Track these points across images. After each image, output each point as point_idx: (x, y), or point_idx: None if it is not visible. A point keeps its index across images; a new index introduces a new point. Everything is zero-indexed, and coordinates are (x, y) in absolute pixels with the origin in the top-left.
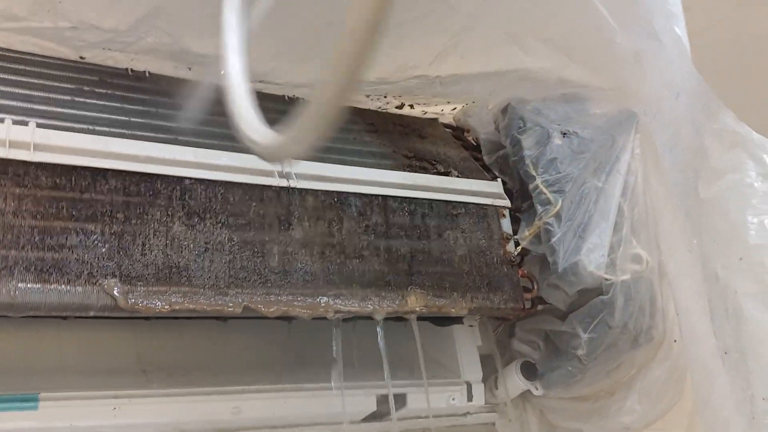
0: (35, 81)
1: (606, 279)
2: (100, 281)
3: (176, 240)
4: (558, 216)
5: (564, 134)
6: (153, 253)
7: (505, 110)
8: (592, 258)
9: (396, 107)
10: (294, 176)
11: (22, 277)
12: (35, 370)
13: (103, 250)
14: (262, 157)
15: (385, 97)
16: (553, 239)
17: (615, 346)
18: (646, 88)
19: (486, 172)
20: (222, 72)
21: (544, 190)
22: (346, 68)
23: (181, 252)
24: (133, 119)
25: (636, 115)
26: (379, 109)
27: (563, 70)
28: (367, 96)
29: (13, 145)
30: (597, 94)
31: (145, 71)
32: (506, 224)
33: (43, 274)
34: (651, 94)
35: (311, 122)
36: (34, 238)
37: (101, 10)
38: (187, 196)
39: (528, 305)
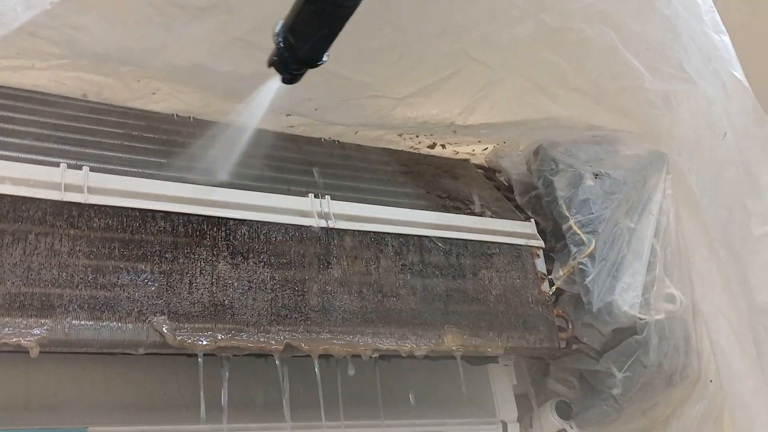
0: (86, 126)
1: (640, 318)
2: (149, 319)
3: (221, 278)
4: (592, 256)
5: (596, 175)
6: (199, 291)
7: (536, 152)
8: (626, 298)
9: (428, 146)
10: (333, 217)
11: (76, 314)
12: (83, 405)
13: (153, 288)
14: None
15: (417, 136)
16: (588, 279)
17: (650, 385)
18: (679, 129)
19: (519, 212)
20: None
21: (578, 231)
22: None
23: (226, 290)
24: (179, 162)
25: (666, 155)
26: (412, 149)
27: (592, 117)
28: (399, 135)
29: (68, 188)
30: (627, 136)
31: (189, 117)
32: (540, 264)
33: (96, 312)
34: (685, 135)
35: None
36: (88, 277)
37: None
38: (231, 237)
39: (563, 345)
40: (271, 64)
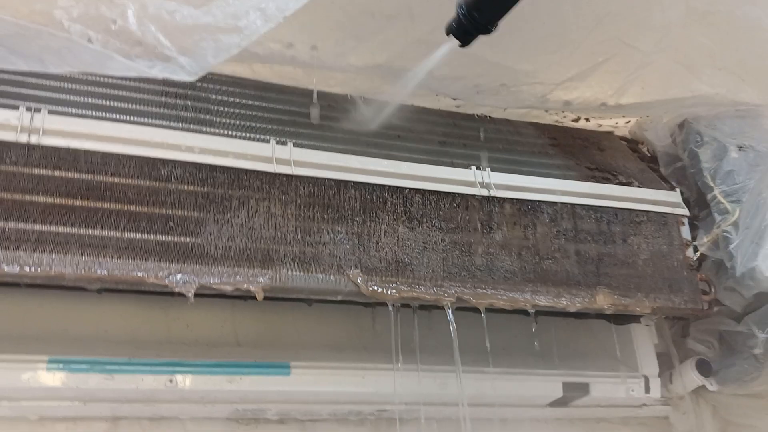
0: (282, 107)
1: None
2: (346, 271)
3: (401, 240)
4: (736, 224)
5: (740, 148)
6: (384, 250)
7: (681, 125)
8: None
9: (572, 120)
10: (493, 186)
11: (290, 266)
12: (285, 345)
13: (348, 246)
14: None
15: (563, 111)
16: (731, 246)
17: None
18: None
19: (663, 182)
20: None
21: (723, 200)
22: None
23: (405, 249)
24: (361, 137)
25: None
26: (557, 123)
27: (737, 94)
28: (546, 111)
29: (278, 161)
30: None
31: (361, 96)
32: (685, 231)
33: (305, 265)
34: None
35: None
36: (297, 235)
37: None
38: (408, 203)
39: (706, 306)
40: (450, 31)
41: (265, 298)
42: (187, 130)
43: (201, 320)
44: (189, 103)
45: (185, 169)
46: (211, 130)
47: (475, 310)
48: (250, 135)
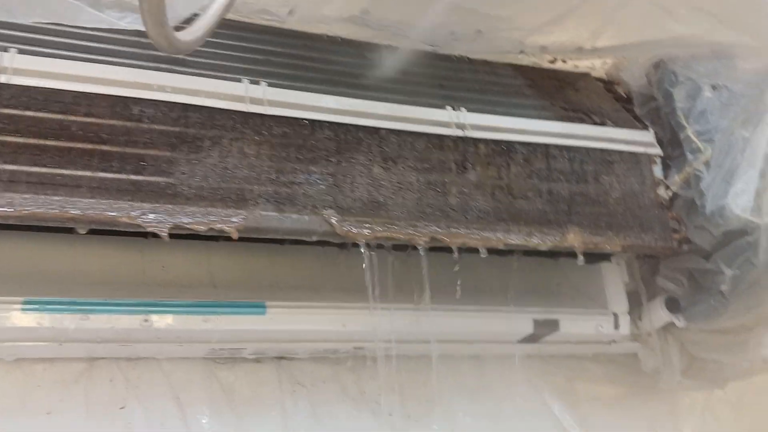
0: (255, 46)
1: (751, 221)
2: (321, 211)
3: (376, 180)
4: (707, 163)
5: (714, 88)
6: (359, 190)
7: (657, 65)
8: (739, 202)
9: (549, 61)
10: (468, 127)
11: (264, 206)
12: (260, 285)
13: (323, 186)
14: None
15: (540, 53)
16: (702, 184)
17: (758, 283)
18: None
19: (637, 122)
20: None
21: (695, 139)
22: None
23: (380, 190)
24: (335, 78)
25: None
26: (534, 65)
27: (713, 34)
28: (521, 52)
29: (252, 101)
30: (746, 51)
31: (338, 36)
32: (657, 170)
33: (280, 205)
34: None
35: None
36: (272, 175)
37: None
38: (383, 144)
39: (676, 245)
40: None
41: (240, 239)
42: (159, 69)
43: (176, 262)
44: None
45: (157, 109)
46: (184, 69)
47: (451, 249)
48: (224, 74)
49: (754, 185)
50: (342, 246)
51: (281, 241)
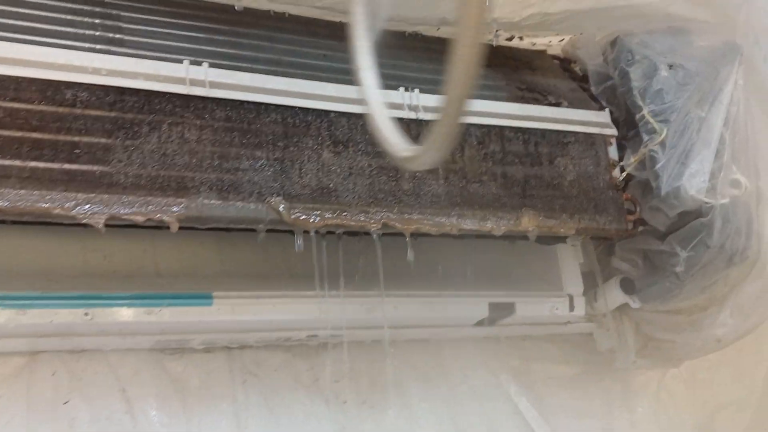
0: (200, 24)
1: (706, 202)
2: (268, 199)
3: (326, 165)
4: (663, 144)
5: (670, 66)
6: (308, 176)
7: (613, 43)
8: (694, 183)
9: (506, 39)
10: (421, 109)
11: (207, 194)
12: (207, 275)
13: (269, 173)
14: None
15: (497, 31)
16: (657, 165)
17: (711, 264)
18: (755, 17)
19: (593, 101)
20: (361, 94)
21: (651, 120)
22: (458, 95)
23: (330, 175)
24: (283, 58)
25: (741, 47)
26: (490, 42)
27: (669, 6)
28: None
29: (193, 83)
30: (702, 27)
31: (284, 12)
32: (613, 151)
33: (223, 193)
34: (760, 23)
35: (437, 140)
36: (214, 162)
37: None
38: (333, 127)
39: (630, 226)
40: None
41: (185, 228)
42: (94, 50)
43: (119, 251)
44: (97, 21)
45: (92, 93)
46: (121, 50)
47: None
48: (164, 55)
49: (709, 166)
50: (293, 233)
51: (228, 229)
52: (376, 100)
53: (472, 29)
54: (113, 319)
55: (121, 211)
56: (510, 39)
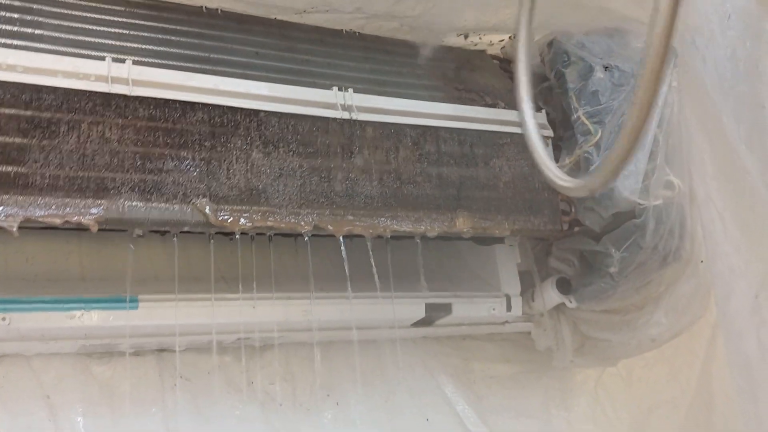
0: (125, 20)
1: (639, 203)
2: (193, 200)
3: (255, 166)
4: (597, 145)
5: (606, 68)
6: (236, 177)
7: (550, 44)
8: (627, 184)
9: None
10: (355, 109)
11: (128, 196)
12: (133, 278)
13: (195, 173)
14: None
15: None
16: (592, 167)
17: (645, 264)
18: (692, 18)
19: None
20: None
21: (585, 121)
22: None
23: (260, 176)
24: (212, 55)
25: (675, 49)
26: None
27: (607, 1)
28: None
29: (114, 80)
30: (638, 27)
31: (217, 8)
32: (548, 153)
33: (146, 194)
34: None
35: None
36: (136, 162)
37: None
38: (262, 127)
39: (565, 227)
40: None
41: (107, 230)
42: (10, 46)
43: (43, 253)
44: (16, 16)
45: (6, 90)
46: (39, 46)
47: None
48: (86, 52)
49: (643, 167)
50: (227, 234)
51: (159, 231)
52: (536, 134)
53: (659, 62)
54: (33, 324)
55: (37, 213)
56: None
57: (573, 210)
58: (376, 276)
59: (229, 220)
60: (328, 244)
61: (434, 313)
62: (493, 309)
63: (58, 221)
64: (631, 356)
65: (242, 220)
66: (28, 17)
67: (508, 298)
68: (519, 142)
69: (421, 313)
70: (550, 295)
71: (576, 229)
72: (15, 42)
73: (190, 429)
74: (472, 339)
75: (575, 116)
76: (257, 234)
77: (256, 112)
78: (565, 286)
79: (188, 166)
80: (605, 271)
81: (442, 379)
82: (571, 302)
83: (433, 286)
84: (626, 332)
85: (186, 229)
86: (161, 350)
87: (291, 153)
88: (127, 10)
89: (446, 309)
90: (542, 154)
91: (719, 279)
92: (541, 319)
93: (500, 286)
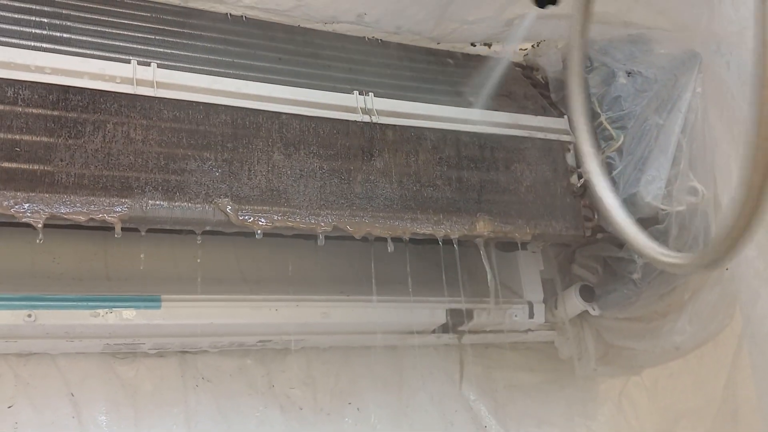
0: (152, 26)
1: (662, 209)
2: (215, 200)
3: (276, 167)
4: (620, 150)
5: (629, 73)
6: (258, 178)
7: None
8: (650, 189)
9: (470, 44)
10: (376, 113)
11: (152, 195)
12: (156, 278)
13: (217, 174)
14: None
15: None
16: (614, 172)
17: (668, 271)
18: (717, 24)
19: (553, 108)
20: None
21: (608, 127)
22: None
23: (281, 177)
24: (236, 60)
25: (699, 55)
26: (453, 49)
27: (628, 14)
28: (438, 44)
29: (140, 83)
30: (662, 35)
31: (242, 15)
32: (570, 158)
33: (169, 193)
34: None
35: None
36: (160, 162)
37: None
38: (284, 129)
39: (588, 233)
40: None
41: (130, 229)
42: (39, 49)
43: (69, 253)
44: (45, 20)
45: (34, 91)
46: (66, 49)
47: (365, 239)
48: (112, 55)
49: (666, 173)
50: (247, 235)
51: (180, 231)
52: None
53: None
54: (57, 321)
55: (62, 211)
56: (473, 45)
57: (596, 216)
58: (408, 279)
59: (249, 220)
60: (350, 247)
61: (456, 319)
62: (515, 316)
63: (82, 218)
64: (655, 365)
65: (263, 220)
66: (57, 21)
67: (531, 305)
68: (541, 146)
69: (442, 319)
70: (573, 303)
71: (599, 235)
72: (44, 45)
73: (211, 429)
74: (495, 347)
75: (598, 121)
76: (278, 236)
77: (278, 114)
78: (588, 293)
79: (211, 167)
80: (628, 277)
81: (464, 386)
82: (594, 310)
83: (455, 292)
84: (650, 340)
85: (208, 228)
86: (183, 351)
87: (311, 155)
88: (154, 16)
89: (468, 315)
90: (638, 236)
91: (744, 283)
92: (564, 327)
93: (523, 293)
